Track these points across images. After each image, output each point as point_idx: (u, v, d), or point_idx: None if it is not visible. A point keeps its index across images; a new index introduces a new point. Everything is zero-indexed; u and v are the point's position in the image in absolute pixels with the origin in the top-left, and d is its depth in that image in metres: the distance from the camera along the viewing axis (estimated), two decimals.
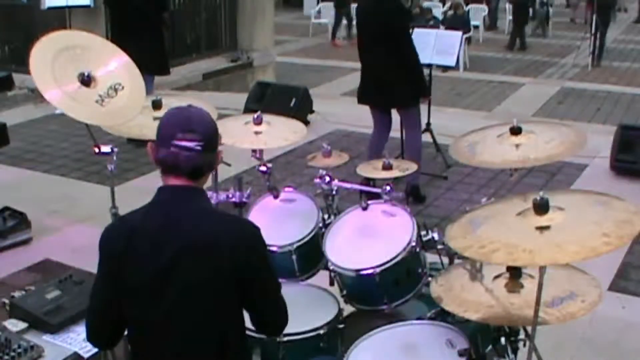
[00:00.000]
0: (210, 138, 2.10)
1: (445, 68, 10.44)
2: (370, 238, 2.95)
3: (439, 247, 2.88)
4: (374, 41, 5.60)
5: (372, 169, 3.29)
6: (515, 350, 2.66)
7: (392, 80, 5.55)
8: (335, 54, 14.93)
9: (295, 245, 3.01)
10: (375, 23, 5.54)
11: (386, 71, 5.55)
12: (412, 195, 5.75)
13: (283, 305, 2.25)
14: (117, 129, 3.15)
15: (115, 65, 3.16)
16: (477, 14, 16.75)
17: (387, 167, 3.18)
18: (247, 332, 2.28)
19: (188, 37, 11.25)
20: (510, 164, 2.78)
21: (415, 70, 5.72)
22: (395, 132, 6.00)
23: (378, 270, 2.74)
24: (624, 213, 2.10)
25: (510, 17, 17.91)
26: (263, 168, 3.18)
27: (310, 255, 3.04)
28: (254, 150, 3.17)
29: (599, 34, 13.56)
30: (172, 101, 3.02)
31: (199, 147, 2.06)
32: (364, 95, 5.83)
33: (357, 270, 2.78)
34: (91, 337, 2.25)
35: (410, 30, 6.00)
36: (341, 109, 8.68)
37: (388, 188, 3.02)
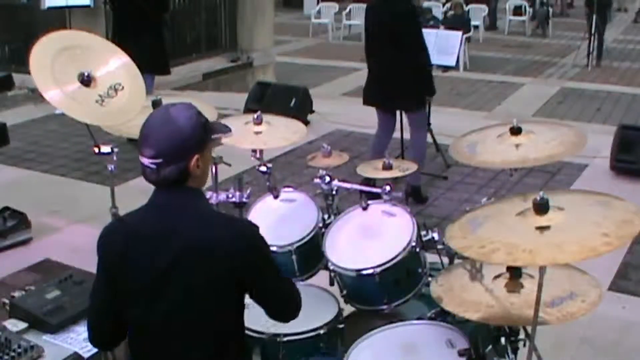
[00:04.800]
0: (171, 152, 2.03)
1: (445, 68, 10.43)
2: (370, 238, 2.95)
3: (439, 247, 2.88)
4: (383, 43, 5.58)
5: (372, 169, 3.29)
6: (515, 350, 2.66)
7: (400, 83, 5.53)
8: (335, 54, 14.93)
9: (295, 245, 3.00)
10: (387, 26, 5.52)
11: (394, 74, 5.53)
12: (413, 196, 5.75)
13: (292, 294, 2.27)
14: (117, 129, 3.15)
15: (115, 65, 3.16)
16: (477, 14, 16.74)
17: (387, 167, 3.18)
18: (247, 332, 2.29)
19: (188, 37, 11.24)
20: (510, 164, 2.78)
21: (424, 72, 5.70)
22: (395, 132, 6.00)
23: (378, 270, 2.73)
24: (624, 213, 2.10)
25: (510, 17, 17.97)
26: (263, 168, 3.17)
27: (310, 255, 3.04)
28: (254, 150, 3.17)
29: (597, 34, 13.55)
30: (172, 101, 3.02)
31: (153, 165, 2.04)
32: (370, 96, 5.81)
33: (357, 270, 2.78)
34: (92, 338, 2.26)
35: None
36: (341, 109, 8.68)
37: (388, 188, 3.02)
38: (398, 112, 5.91)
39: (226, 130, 2.27)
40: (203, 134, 2.10)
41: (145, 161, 2.06)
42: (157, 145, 2.04)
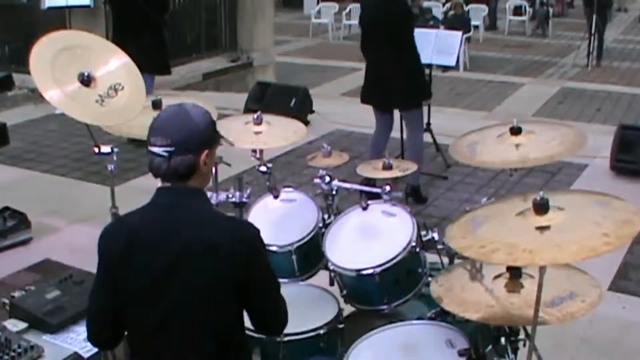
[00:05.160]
0: (184, 141, 2.05)
1: (445, 68, 10.44)
2: (370, 238, 2.95)
3: (439, 247, 2.88)
4: (377, 42, 5.59)
5: (372, 169, 3.29)
6: (515, 350, 2.66)
7: (395, 82, 5.54)
8: (335, 54, 14.93)
9: (295, 245, 3.00)
10: (380, 24, 5.53)
11: (389, 72, 5.54)
12: (412, 196, 5.75)
13: (283, 305, 2.26)
14: (117, 129, 3.15)
15: (115, 65, 3.16)
16: (477, 14, 16.75)
17: (387, 167, 3.18)
18: (247, 332, 2.29)
19: (188, 37, 11.24)
20: (510, 164, 2.78)
21: (417, 72, 5.72)
22: (395, 132, 6.01)
23: (378, 270, 2.73)
24: (624, 213, 2.10)
25: (511, 17, 17.96)
26: (263, 168, 3.17)
27: (310, 255, 3.04)
28: (254, 150, 3.17)
29: (597, 34, 13.56)
30: (172, 101, 3.02)
31: (165, 153, 2.04)
32: (366, 95, 5.83)
33: (357, 270, 2.78)
34: (91, 338, 2.25)
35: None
36: (341, 109, 8.68)
37: (388, 188, 3.02)
38: (396, 111, 5.91)
39: (229, 141, 2.29)
40: (214, 131, 2.14)
41: (157, 150, 2.06)
42: (171, 133, 2.05)
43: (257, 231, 2.14)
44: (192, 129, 2.07)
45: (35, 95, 7.90)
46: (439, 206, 5.82)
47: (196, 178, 2.11)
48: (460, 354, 2.38)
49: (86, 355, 2.54)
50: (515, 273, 2.43)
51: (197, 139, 2.07)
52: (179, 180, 2.09)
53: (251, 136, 3.19)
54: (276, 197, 3.24)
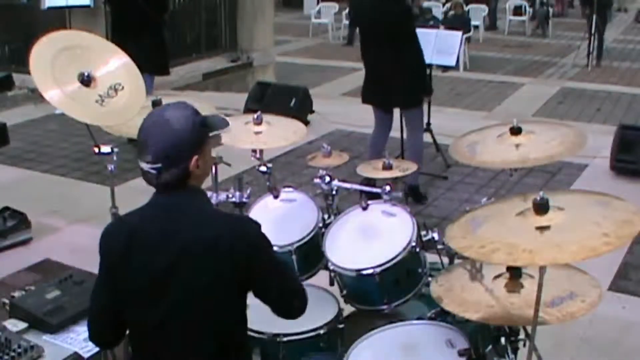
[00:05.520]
0: (169, 156, 2.02)
1: (445, 68, 10.44)
2: (370, 238, 2.95)
3: (439, 247, 2.88)
4: (376, 41, 5.59)
5: (372, 169, 3.29)
6: (515, 350, 2.66)
7: (395, 81, 5.53)
8: (335, 54, 14.93)
9: (295, 245, 3.00)
10: (379, 24, 5.53)
11: (389, 72, 5.53)
12: (411, 196, 5.74)
13: (291, 295, 2.25)
14: (117, 129, 3.15)
15: (115, 65, 3.17)
16: (477, 14, 16.75)
17: (387, 167, 3.18)
18: (247, 332, 2.29)
19: (188, 37, 11.24)
20: (510, 164, 2.78)
21: (419, 70, 5.72)
22: (395, 131, 6.00)
23: (378, 270, 2.73)
24: (624, 213, 2.10)
25: (511, 17, 17.97)
26: (263, 168, 3.17)
27: (310, 255, 3.04)
28: (254, 150, 3.17)
29: (597, 34, 13.56)
30: (172, 101, 3.02)
31: (153, 170, 2.04)
32: (367, 94, 5.82)
33: (357, 270, 2.78)
34: (93, 337, 2.26)
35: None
36: (341, 109, 8.68)
37: (388, 188, 3.02)
38: (396, 111, 5.90)
39: (224, 124, 2.25)
40: (200, 133, 2.09)
41: (145, 166, 2.05)
42: (155, 151, 2.03)
43: (258, 226, 2.13)
44: (175, 142, 2.02)
45: (35, 95, 7.90)
46: (439, 206, 5.82)
47: (192, 180, 2.10)
48: (460, 354, 2.38)
49: (86, 355, 2.53)
50: (515, 273, 2.43)
51: (182, 150, 2.03)
52: (170, 190, 2.08)
53: (251, 136, 3.19)
54: (276, 197, 3.24)
